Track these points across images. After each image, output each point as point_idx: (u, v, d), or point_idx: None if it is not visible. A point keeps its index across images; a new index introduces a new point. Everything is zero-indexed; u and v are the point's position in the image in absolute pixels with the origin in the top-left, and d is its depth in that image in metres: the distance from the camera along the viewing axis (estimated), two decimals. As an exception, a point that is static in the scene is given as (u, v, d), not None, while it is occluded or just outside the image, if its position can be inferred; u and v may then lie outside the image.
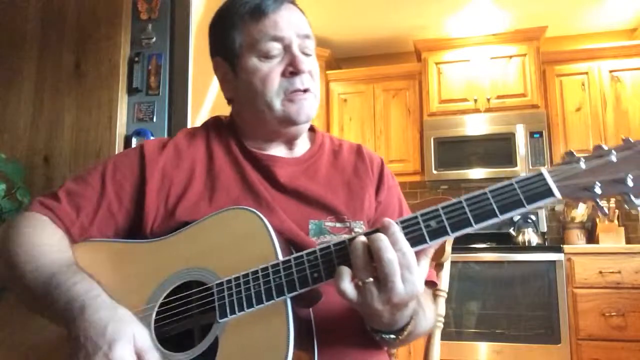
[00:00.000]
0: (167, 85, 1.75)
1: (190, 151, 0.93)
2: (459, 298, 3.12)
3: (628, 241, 3.34)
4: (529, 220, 3.42)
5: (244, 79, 0.90)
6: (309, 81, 0.89)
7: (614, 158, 0.65)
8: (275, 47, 0.87)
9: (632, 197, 0.63)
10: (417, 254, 0.66)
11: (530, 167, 3.38)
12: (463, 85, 3.64)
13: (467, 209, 0.65)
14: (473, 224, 0.65)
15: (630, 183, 0.63)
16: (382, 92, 3.86)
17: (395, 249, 0.63)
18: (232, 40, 0.91)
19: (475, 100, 3.59)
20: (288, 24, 0.88)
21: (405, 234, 0.65)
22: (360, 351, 0.82)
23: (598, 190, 0.64)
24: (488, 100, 3.56)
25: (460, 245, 3.20)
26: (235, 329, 0.69)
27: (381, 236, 0.64)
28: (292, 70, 0.87)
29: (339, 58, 4.18)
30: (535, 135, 3.40)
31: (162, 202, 0.86)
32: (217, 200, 0.86)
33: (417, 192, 3.86)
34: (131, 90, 1.75)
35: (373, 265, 0.64)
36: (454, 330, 3.10)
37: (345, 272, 0.65)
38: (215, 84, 1.80)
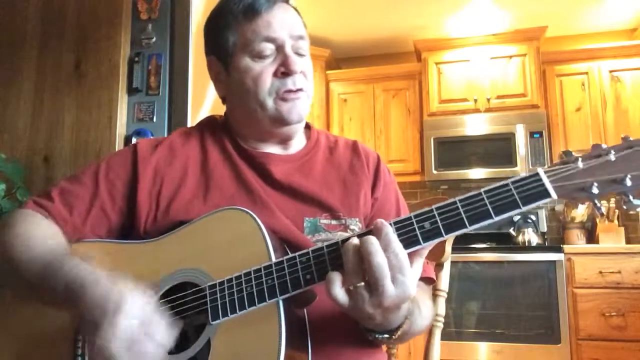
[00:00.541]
0: (167, 85, 1.75)
1: (184, 150, 0.92)
2: (459, 298, 3.12)
3: (628, 241, 3.34)
4: (529, 220, 3.43)
5: (237, 78, 0.90)
6: (301, 81, 0.89)
7: (612, 157, 0.64)
8: (268, 48, 0.87)
9: (631, 197, 0.62)
10: (411, 255, 0.65)
11: (530, 167, 3.37)
12: (463, 85, 3.64)
13: (461, 210, 0.65)
14: (467, 225, 0.64)
15: (629, 183, 0.62)
16: (382, 92, 3.86)
17: (387, 251, 0.62)
18: (226, 40, 0.91)
19: (475, 100, 3.59)
20: (281, 24, 0.88)
21: (399, 235, 0.65)
22: (356, 350, 0.82)
23: (595, 190, 0.63)
24: (488, 100, 3.56)
25: (460, 245, 3.20)
26: (228, 331, 0.69)
27: (372, 239, 0.63)
28: (284, 70, 0.87)
29: (339, 58, 4.18)
30: (535, 135, 3.40)
31: (154, 200, 0.86)
32: (211, 199, 0.86)
33: (417, 192, 3.86)
34: (131, 90, 1.75)
35: (364, 268, 0.63)
36: (454, 330, 3.10)
37: (336, 278, 0.64)
38: (215, 84, 1.80)
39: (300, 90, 0.88)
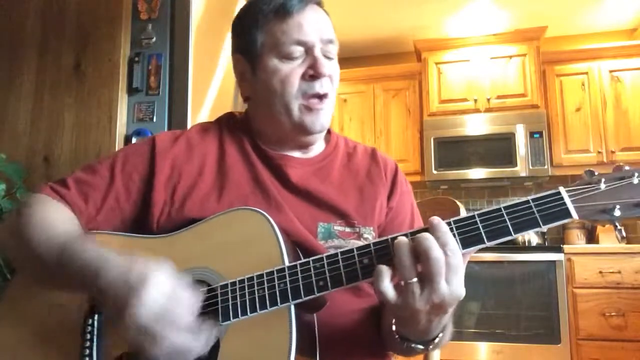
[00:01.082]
0: (167, 85, 1.75)
1: (202, 146, 0.91)
2: (459, 298, 3.12)
3: (628, 241, 3.34)
4: (529, 220, 3.42)
5: (263, 79, 0.88)
6: (328, 85, 0.88)
7: (636, 180, 0.63)
8: (298, 50, 0.86)
9: None
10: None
11: (530, 167, 3.38)
12: (463, 85, 3.64)
13: (480, 225, 0.65)
14: (485, 241, 0.65)
15: None
16: (382, 92, 3.86)
17: (445, 248, 0.62)
18: (254, 39, 0.89)
19: (475, 100, 3.59)
20: (312, 27, 0.87)
21: (459, 234, 0.65)
22: (364, 357, 0.82)
23: (617, 212, 0.63)
24: (488, 100, 3.56)
25: (460, 245, 3.19)
26: (237, 332, 0.69)
27: (428, 235, 0.63)
28: (312, 73, 0.86)
29: (339, 58, 4.16)
30: (535, 135, 3.40)
31: (169, 194, 0.85)
32: (226, 197, 0.85)
33: (417, 192, 3.86)
34: (131, 90, 1.75)
35: (417, 265, 0.63)
36: (454, 330, 3.09)
37: (385, 272, 0.63)
38: (215, 84, 1.80)
39: (325, 97, 0.88)
